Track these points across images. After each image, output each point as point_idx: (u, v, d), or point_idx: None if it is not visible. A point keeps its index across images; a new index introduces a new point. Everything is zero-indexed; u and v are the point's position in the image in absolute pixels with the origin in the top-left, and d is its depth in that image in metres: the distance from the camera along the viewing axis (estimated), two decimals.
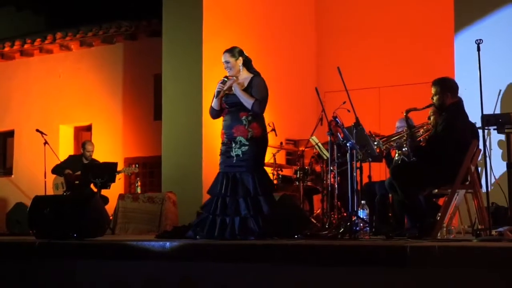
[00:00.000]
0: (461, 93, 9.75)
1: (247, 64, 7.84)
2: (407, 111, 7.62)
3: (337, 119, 8.40)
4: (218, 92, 7.70)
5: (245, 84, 7.73)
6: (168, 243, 6.64)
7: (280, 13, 13.68)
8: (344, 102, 8.24)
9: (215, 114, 7.87)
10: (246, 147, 7.63)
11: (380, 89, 13.39)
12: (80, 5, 18.65)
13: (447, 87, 7.57)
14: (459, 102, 7.64)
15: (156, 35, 13.75)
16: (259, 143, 7.70)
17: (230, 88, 7.74)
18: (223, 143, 7.81)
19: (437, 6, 12.92)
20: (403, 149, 8.24)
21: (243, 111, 7.65)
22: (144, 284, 6.49)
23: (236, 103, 7.68)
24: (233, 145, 7.68)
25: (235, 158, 7.67)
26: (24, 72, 15.96)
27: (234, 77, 7.76)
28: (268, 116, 12.33)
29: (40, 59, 15.84)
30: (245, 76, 7.77)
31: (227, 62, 7.76)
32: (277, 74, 13.42)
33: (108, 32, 14.90)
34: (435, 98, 7.57)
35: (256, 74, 7.79)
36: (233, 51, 7.78)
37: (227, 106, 7.75)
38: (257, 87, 7.66)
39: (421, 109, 7.72)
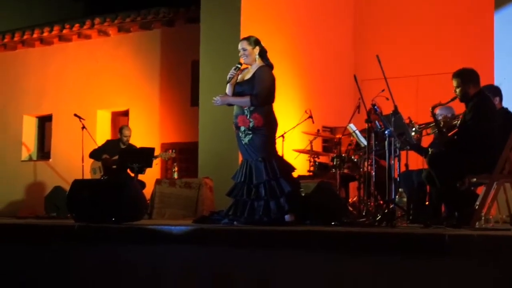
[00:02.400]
0: (500, 83, 9.72)
1: (263, 54, 7.94)
2: (433, 107, 7.69)
3: (375, 107, 8.39)
4: (230, 78, 7.84)
5: (250, 73, 7.84)
6: (205, 228, 6.68)
7: (319, 0, 13.64)
8: (383, 90, 8.22)
9: None
10: (250, 136, 7.80)
11: (418, 77, 13.31)
12: None
13: (468, 78, 7.58)
14: (483, 91, 7.62)
15: (194, 22, 13.76)
16: (263, 131, 7.78)
17: (239, 76, 7.91)
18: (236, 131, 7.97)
19: None
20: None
21: None
22: (181, 268, 6.52)
23: (240, 93, 7.85)
24: (240, 134, 7.85)
25: (245, 146, 7.85)
26: (62, 57, 16.06)
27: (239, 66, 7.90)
28: (305, 103, 12.47)
29: (78, 44, 15.92)
30: (257, 65, 7.87)
31: (244, 49, 7.89)
32: (315, 61, 13.42)
33: (146, 18, 14.94)
34: (457, 90, 7.61)
35: (264, 65, 7.88)
36: (250, 40, 7.93)
37: (237, 95, 7.90)
38: (258, 79, 7.78)
39: (446, 103, 7.76)
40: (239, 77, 7.90)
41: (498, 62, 10.80)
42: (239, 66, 7.88)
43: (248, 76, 7.84)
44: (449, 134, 7.76)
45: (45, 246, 7.28)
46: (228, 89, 7.90)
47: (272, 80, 7.86)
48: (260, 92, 7.69)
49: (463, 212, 7.24)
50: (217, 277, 6.30)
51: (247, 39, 7.94)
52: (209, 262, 6.37)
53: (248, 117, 7.74)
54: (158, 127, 14.68)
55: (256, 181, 7.71)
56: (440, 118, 8.14)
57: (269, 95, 7.81)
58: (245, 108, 7.75)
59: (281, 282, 5.99)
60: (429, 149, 8.67)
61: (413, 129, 8.15)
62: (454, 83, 7.60)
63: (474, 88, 7.54)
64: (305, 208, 7.93)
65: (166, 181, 11.93)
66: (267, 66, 7.89)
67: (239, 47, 7.92)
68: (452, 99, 7.69)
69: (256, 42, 7.90)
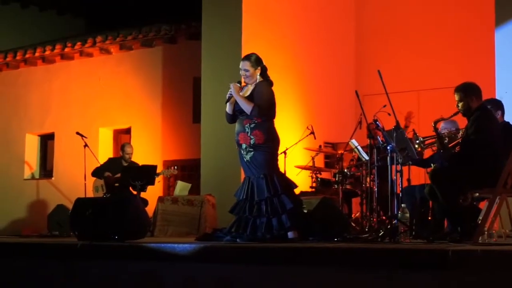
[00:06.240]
0: (501, 97, 9.72)
1: (263, 73, 7.89)
2: (435, 122, 7.64)
3: (377, 122, 8.38)
4: (229, 98, 7.79)
5: (250, 91, 7.79)
6: (208, 245, 6.67)
7: (320, 16, 13.66)
8: (385, 106, 8.22)
9: (228, 118, 7.97)
10: (252, 153, 7.74)
11: (419, 92, 13.33)
12: (120, 9, 18.79)
13: (470, 91, 7.56)
14: (484, 105, 7.61)
15: (196, 38, 13.81)
16: (265, 148, 7.73)
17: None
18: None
19: (477, 9, 12.85)
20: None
21: (247, 118, 7.74)
22: (184, 286, 6.51)
23: (239, 110, 7.79)
24: (242, 151, 7.81)
25: (247, 163, 7.81)
26: (64, 76, 16.09)
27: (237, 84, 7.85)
28: (306, 119, 12.48)
29: (80, 63, 15.96)
30: (256, 82, 7.84)
31: (246, 70, 7.80)
32: (316, 77, 13.42)
33: (148, 35, 14.97)
34: (460, 104, 7.58)
35: (264, 81, 7.83)
36: (251, 60, 7.82)
37: (237, 113, 7.85)
38: (258, 93, 7.70)
39: (448, 118, 7.72)
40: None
41: (500, 76, 10.79)
42: (239, 85, 7.84)
43: (247, 93, 7.78)
44: (450, 146, 7.74)
45: (48, 265, 7.28)
46: (228, 107, 7.87)
47: (272, 94, 7.80)
48: (261, 104, 7.65)
49: (466, 227, 7.22)
50: None
51: (248, 59, 7.82)
52: (212, 280, 6.35)
53: (249, 134, 7.70)
54: (160, 144, 14.69)
55: (258, 198, 7.68)
56: (444, 132, 8.11)
57: (269, 109, 7.75)
58: (246, 125, 7.71)
59: None
60: (432, 164, 8.66)
61: (417, 141, 8.12)
62: (456, 97, 7.59)
63: (476, 101, 7.52)
64: (308, 224, 7.91)
65: (169, 198, 11.90)
66: (267, 81, 7.86)
67: (240, 66, 7.82)
68: (454, 114, 7.67)
69: (257, 62, 7.81)
